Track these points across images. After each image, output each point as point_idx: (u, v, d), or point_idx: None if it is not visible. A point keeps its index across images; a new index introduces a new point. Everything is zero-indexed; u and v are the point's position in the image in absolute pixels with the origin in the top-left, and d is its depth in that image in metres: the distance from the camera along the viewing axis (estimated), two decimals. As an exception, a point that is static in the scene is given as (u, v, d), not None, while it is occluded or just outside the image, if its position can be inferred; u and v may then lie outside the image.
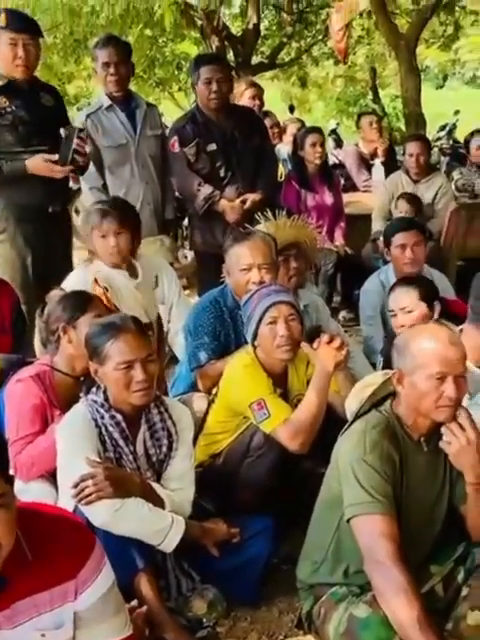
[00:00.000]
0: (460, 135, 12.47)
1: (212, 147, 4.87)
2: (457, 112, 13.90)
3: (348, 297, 6.17)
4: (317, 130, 6.25)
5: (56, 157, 4.18)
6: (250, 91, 6.49)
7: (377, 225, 6.12)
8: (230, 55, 13.54)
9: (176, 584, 2.76)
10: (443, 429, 2.39)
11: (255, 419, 2.98)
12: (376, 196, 6.32)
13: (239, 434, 3.12)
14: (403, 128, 10.15)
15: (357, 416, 2.45)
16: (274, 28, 15.91)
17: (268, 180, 5.03)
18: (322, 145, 6.03)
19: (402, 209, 5.73)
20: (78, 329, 3.11)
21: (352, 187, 7.30)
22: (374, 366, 3.88)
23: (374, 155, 7.57)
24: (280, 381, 3.16)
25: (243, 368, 3.11)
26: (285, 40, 15.13)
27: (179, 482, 2.82)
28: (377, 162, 7.16)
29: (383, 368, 3.48)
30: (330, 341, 2.96)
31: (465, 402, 2.49)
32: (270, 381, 3.07)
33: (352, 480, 2.32)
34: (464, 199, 6.22)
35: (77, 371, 3.17)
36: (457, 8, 12.29)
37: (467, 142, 6.24)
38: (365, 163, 7.53)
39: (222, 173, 4.89)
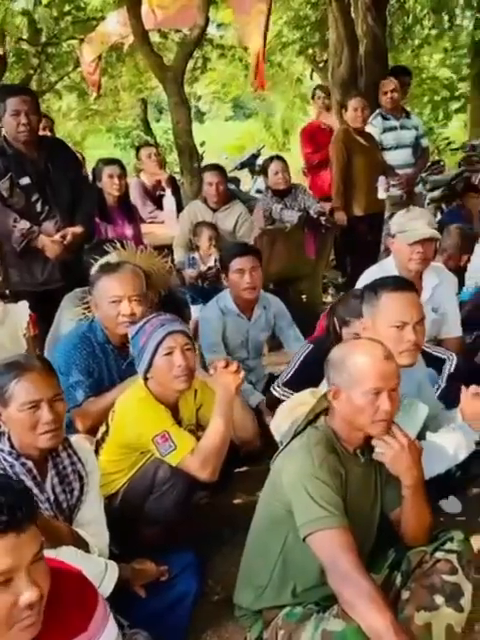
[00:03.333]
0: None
1: (26, 181, 4.70)
2: (203, 143, 14.44)
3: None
4: (116, 162, 6.18)
5: None
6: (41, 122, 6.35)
7: (179, 255, 6.18)
8: (-25, 87, 13.06)
9: (105, 633, 2.63)
10: (374, 441, 2.50)
11: (160, 452, 2.92)
12: (179, 225, 6.36)
13: (137, 470, 3.06)
14: (177, 159, 10.30)
15: (295, 435, 2.50)
16: (14, 59, 15.51)
17: (87, 212, 4.94)
18: (120, 177, 5.98)
19: (204, 237, 5.86)
20: None
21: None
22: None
23: (156, 187, 7.68)
24: (173, 412, 3.13)
25: (139, 402, 3.05)
26: (31, 72, 14.83)
27: (94, 526, 2.70)
28: (168, 192, 7.25)
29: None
30: (226, 365, 2.98)
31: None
32: (168, 412, 3.04)
33: (305, 498, 2.35)
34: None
35: None
36: (205, 42, 12.76)
37: (265, 168, 6.43)
38: (148, 194, 7.61)
39: (39, 207, 4.74)
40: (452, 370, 3.62)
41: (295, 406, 2.72)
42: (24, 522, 1.58)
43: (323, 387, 2.77)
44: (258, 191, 9.37)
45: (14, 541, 1.56)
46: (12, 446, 2.58)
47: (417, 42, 13.64)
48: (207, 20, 8.64)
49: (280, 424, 2.74)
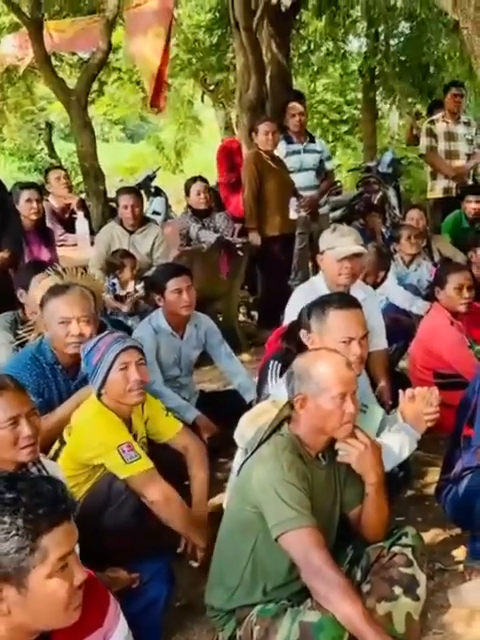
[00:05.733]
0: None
1: (-48, 206, 4.72)
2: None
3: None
4: (33, 186, 6.22)
5: None
6: None
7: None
8: None
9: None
10: (338, 444, 2.70)
11: (124, 460, 3.03)
12: (95, 248, 6.37)
13: (92, 485, 3.15)
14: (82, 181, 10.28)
15: (260, 442, 2.66)
16: None
17: (14, 236, 4.99)
18: (37, 201, 6.01)
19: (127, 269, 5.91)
20: None
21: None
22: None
23: (65, 209, 7.71)
24: (127, 426, 3.25)
25: (98, 415, 3.16)
26: None
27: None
28: (80, 215, 7.30)
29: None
30: None
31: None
32: (125, 425, 3.17)
33: (276, 500, 2.51)
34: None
35: None
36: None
37: (187, 188, 6.58)
38: (57, 217, 7.62)
39: (-35, 232, 4.76)
40: None
41: (257, 415, 2.87)
42: (73, 510, 1.76)
43: (280, 397, 2.94)
44: (155, 213, 9.47)
45: (69, 526, 1.73)
46: None
47: (315, 68, 14.15)
48: (110, 44, 8.76)
49: (244, 433, 2.89)
